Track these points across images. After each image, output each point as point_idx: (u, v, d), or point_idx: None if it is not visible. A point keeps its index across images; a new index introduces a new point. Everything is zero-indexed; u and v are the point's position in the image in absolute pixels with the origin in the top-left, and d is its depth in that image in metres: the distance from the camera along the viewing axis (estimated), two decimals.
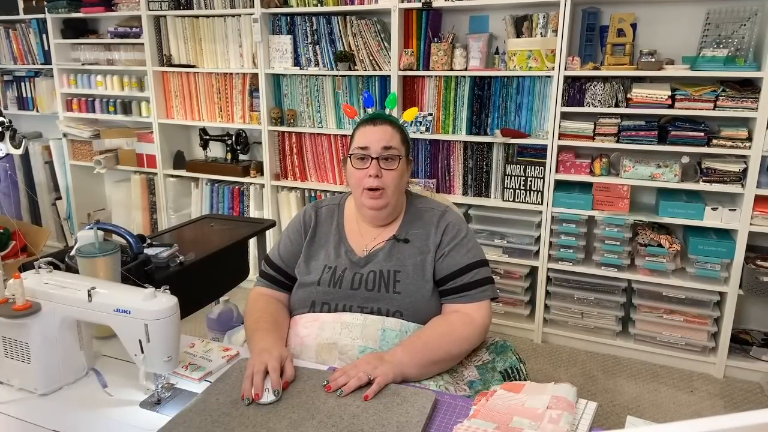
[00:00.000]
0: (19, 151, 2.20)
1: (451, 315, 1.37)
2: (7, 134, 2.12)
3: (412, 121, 1.66)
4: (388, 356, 1.22)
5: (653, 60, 2.47)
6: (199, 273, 1.97)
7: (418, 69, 2.89)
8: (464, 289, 1.38)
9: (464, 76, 2.82)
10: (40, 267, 1.20)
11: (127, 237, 1.61)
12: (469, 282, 1.38)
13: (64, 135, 3.83)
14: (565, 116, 2.65)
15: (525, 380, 1.32)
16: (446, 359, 1.30)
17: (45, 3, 3.62)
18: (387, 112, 1.50)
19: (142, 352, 1.11)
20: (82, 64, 3.71)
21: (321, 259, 1.45)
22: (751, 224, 2.43)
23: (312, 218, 1.51)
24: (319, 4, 2.99)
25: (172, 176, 3.64)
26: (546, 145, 2.69)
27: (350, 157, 1.43)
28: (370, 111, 1.51)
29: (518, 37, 2.73)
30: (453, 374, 1.34)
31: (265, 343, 1.24)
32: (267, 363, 1.14)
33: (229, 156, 3.49)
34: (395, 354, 1.23)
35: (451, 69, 2.83)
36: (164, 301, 1.11)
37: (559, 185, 2.76)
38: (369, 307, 1.36)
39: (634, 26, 2.54)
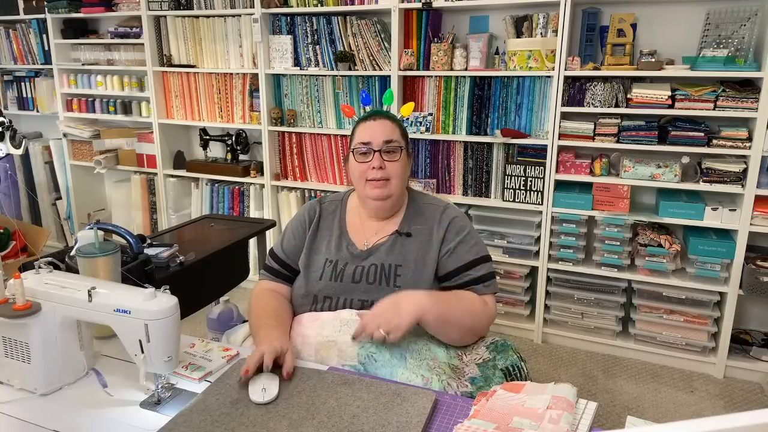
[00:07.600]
0: (19, 151, 2.20)
1: (466, 291, 1.42)
2: (7, 134, 2.12)
3: (409, 117, 1.69)
4: (410, 301, 1.27)
5: (653, 60, 2.47)
6: (199, 273, 1.97)
7: (418, 69, 2.89)
8: (470, 284, 1.42)
9: (464, 77, 2.82)
10: (40, 267, 1.20)
11: (127, 237, 1.61)
12: (475, 277, 1.42)
13: (64, 135, 3.83)
14: (565, 116, 2.65)
15: (526, 378, 1.33)
16: (459, 322, 1.33)
17: (45, 3, 3.61)
18: (384, 108, 1.54)
19: (142, 352, 1.11)
20: (82, 64, 3.71)
21: (322, 252, 1.48)
22: (751, 224, 2.43)
23: (316, 212, 1.54)
24: (319, 4, 2.99)
25: (172, 176, 3.64)
26: (546, 145, 2.69)
27: (352, 152, 1.46)
28: (368, 109, 1.55)
29: (518, 37, 2.72)
30: (455, 370, 1.35)
31: (269, 338, 1.26)
32: (263, 352, 1.17)
33: (229, 156, 3.49)
34: (417, 297, 1.28)
35: (451, 69, 2.83)
36: (164, 301, 1.11)
37: (559, 185, 2.76)
38: (369, 300, 1.37)
39: (634, 26, 2.54)
